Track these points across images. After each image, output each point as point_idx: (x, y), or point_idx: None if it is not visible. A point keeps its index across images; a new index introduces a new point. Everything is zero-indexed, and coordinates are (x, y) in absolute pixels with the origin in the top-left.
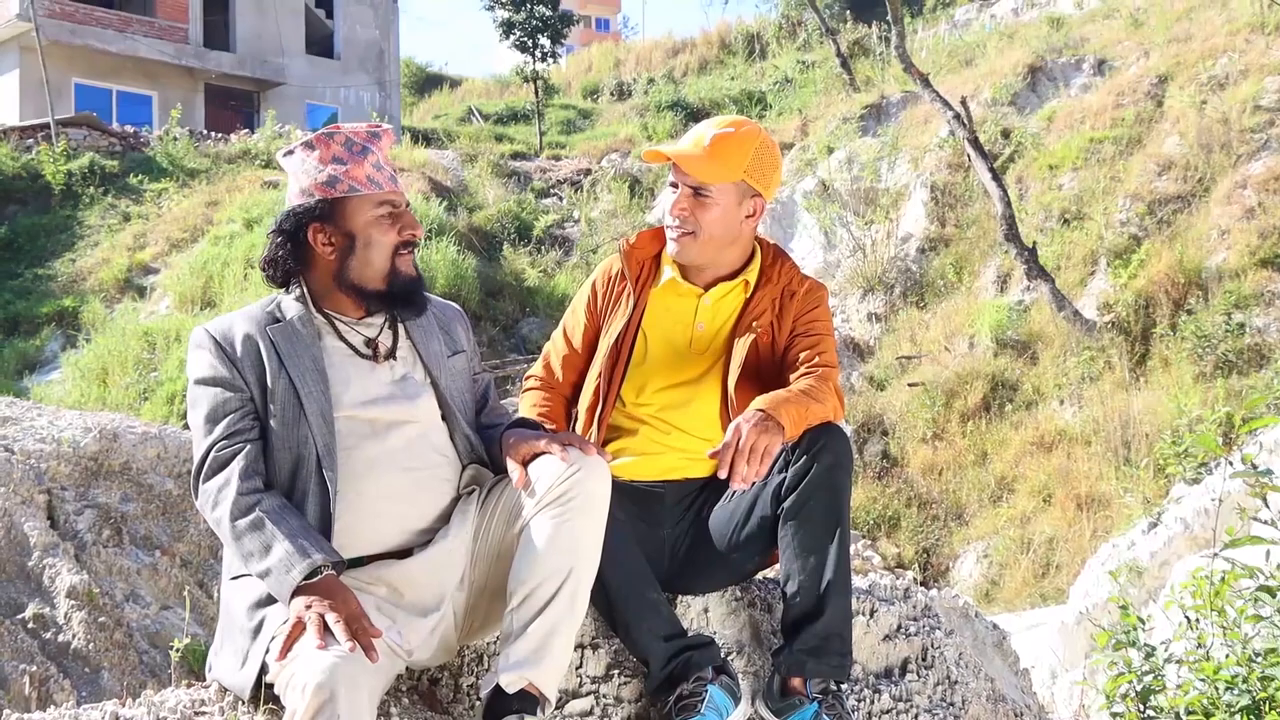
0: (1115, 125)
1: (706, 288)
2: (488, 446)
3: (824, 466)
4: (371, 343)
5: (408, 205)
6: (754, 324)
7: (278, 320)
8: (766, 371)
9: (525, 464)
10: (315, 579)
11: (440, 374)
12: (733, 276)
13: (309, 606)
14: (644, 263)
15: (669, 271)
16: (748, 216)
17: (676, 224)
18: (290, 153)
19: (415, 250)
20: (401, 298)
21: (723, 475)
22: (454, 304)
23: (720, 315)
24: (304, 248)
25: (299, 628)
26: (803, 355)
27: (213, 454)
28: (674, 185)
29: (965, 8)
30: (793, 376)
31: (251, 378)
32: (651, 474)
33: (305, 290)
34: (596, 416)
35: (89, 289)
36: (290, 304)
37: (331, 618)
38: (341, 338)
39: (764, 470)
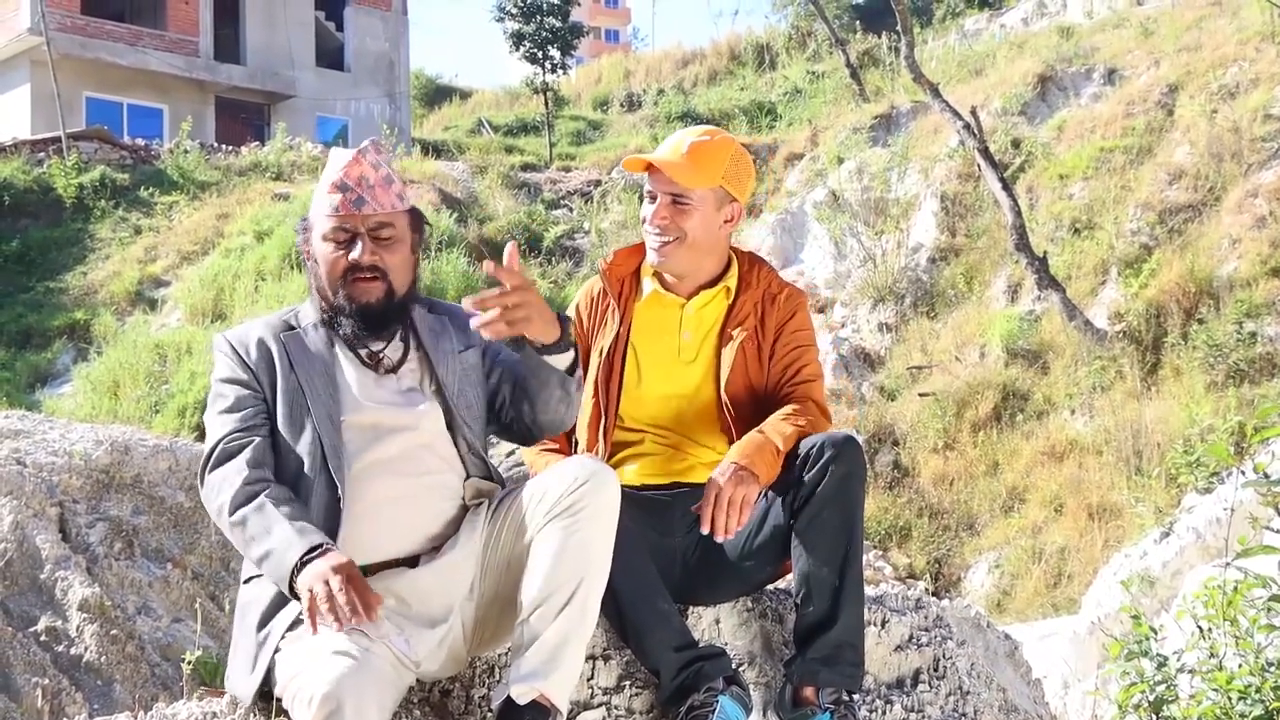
0: (1125, 134)
1: (688, 297)
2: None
3: (837, 477)
4: (374, 355)
5: (383, 227)
6: (738, 330)
7: (292, 328)
8: (757, 375)
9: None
10: (316, 553)
11: (450, 377)
12: (713, 284)
13: (313, 578)
14: (624, 279)
15: (650, 285)
16: (726, 222)
17: (657, 233)
18: None
19: (379, 279)
20: (360, 319)
21: (705, 530)
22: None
23: (705, 322)
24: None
25: (312, 603)
26: (787, 373)
27: (222, 445)
28: (651, 196)
29: (975, 18)
30: (778, 396)
31: (265, 380)
32: (661, 478)
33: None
34: (600, 431)
35: (100, 302)
36: (307, 312)
37: (336, 582)
38: (350, 347)
39: (745, 519)
